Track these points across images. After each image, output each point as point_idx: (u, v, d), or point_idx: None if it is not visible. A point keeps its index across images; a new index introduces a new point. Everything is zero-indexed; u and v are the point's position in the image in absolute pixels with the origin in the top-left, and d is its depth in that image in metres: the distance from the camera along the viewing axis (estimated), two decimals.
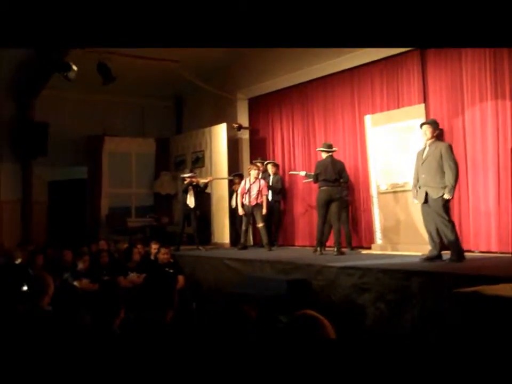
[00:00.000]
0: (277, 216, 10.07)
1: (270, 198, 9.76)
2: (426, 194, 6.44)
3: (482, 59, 7.60)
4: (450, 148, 6.49)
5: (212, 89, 11.32)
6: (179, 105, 13.45)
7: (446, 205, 6.37)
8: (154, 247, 8.56)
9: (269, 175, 10.15)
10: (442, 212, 6.31)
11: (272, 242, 9.55)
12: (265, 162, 10.29)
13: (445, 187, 6.31)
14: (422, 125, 6.69)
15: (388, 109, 8.76)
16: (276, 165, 10.26)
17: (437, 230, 6.41)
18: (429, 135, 6.56)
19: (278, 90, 10.86)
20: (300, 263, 7.09)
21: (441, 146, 6.46)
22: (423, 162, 6.54)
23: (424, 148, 6.61)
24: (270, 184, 9.92)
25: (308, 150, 10.33)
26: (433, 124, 6.64)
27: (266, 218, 9.57)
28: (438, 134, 6.75)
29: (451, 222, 6.37)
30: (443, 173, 6.35)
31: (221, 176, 11.00)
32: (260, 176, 9.81)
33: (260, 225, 9.39)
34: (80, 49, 7.81)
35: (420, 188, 6.55)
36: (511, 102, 7.28)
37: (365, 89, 9.27)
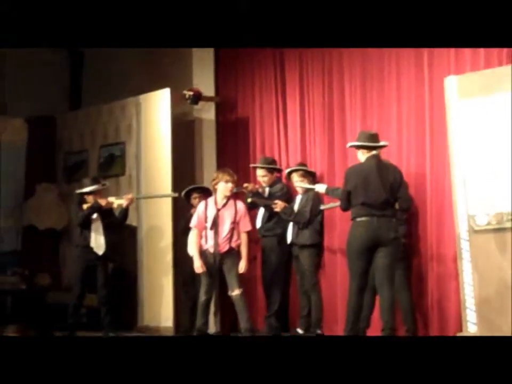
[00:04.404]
0: (309, 279, 10.12)
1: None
2: None
3: None
4: None
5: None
6: (77, 57, 13.86)
7: None
8: (13, 330, 8.36)
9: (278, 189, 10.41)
10: None
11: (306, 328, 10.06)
12: (288, 170, 10.44)
13: None
14: None
15: (489, 66, 8.81)
16: (309, 173, 10.29)
17: None
18: None
19: None
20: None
21: None
22: None
23: None
24: (296, 207, 10.21)
25: (332, 142, 10.44)
26: None
27: (277, 275, 10.16)
28: None
29: None
30: None
31: (159, 192, 11.00)
32: (268, 192, 10.31)
33: (235, 292, 9.46)
34: None
35: None
36: None
37: None
